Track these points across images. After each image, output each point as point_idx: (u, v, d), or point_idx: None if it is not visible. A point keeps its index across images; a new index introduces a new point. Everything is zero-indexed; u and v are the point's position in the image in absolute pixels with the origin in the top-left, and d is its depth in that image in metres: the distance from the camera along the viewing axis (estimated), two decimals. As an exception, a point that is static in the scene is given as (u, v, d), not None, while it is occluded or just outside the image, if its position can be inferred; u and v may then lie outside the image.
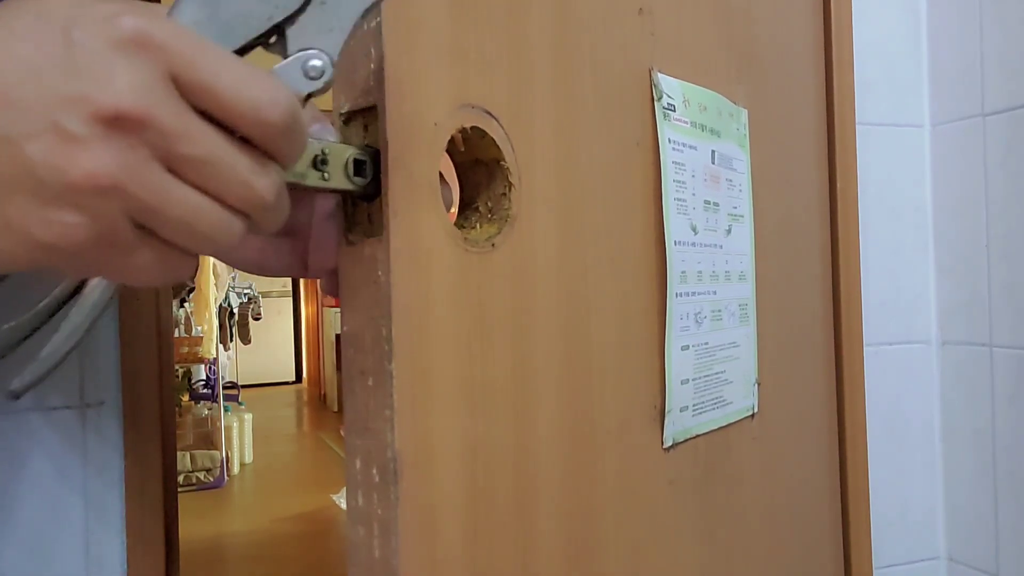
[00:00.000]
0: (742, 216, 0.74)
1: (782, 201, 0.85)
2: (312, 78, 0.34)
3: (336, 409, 6.42)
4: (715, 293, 0.69)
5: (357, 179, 0.40)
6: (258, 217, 0.33)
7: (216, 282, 4.95)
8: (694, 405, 0.66)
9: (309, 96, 0.35)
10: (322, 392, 7.03)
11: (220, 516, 4.02)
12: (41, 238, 0.28)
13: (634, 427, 0.59)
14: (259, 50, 0.34)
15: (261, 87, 0.31)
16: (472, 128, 0.46)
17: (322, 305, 6.45)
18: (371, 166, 0.40)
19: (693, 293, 0.66)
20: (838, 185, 0.97)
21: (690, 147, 0.66)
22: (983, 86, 1.00)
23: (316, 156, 0.38)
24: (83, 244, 0.29)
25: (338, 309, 0.44)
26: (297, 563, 3.24)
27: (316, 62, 0.34)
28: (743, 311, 0.74)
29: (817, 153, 0.95)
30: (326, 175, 0.38)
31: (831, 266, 0.98)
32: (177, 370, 4.89)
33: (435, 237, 0.43)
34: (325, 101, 0.39)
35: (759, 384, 0.76)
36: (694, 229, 0.66)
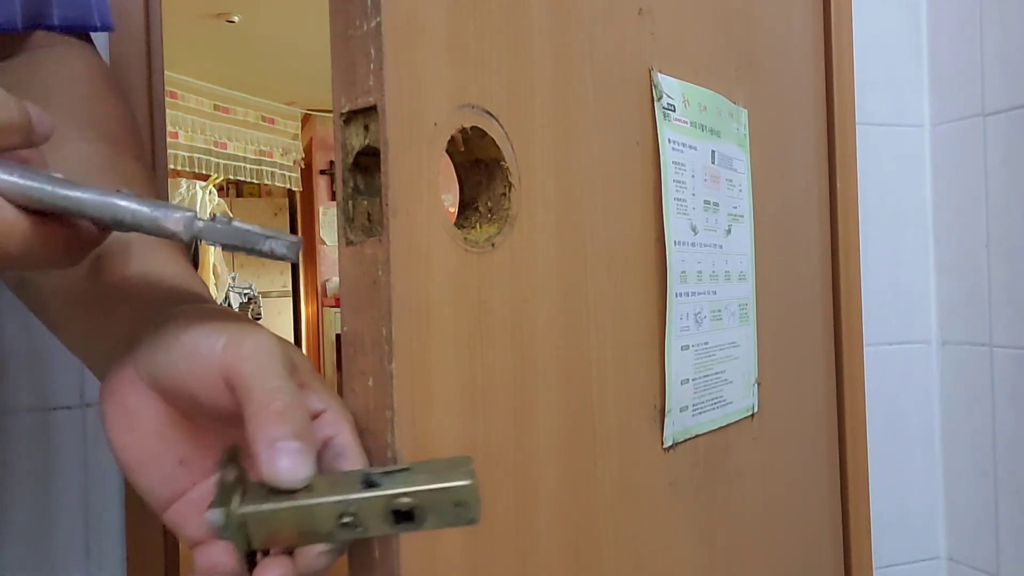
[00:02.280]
0: (742, 216, 0.74)
1: (782, 201, 0.85)
2: None
3: (336, 409, 6.40)
4: (715, 293, 0.69)
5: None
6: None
7: (216, 282, 4.94)
8: (694, 405, 0.66)
9: None
10: (322, 392, 7.02)
11: (220, 516, 4.01)
12: None
13: (634, 427, 0.59)
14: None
15: None
16: (472, 128, 0.46)
17: (322, 305, 6.44)
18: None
19: (693, 293, 0.66)
20: (838, 185, 0.97)
21: (690, 147, 0.66)
22: (983, 86, 1.00)
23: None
24: None
25: (338, 309, 0.44)
26: (297, 563, 3.24)
27: None
28: (743, 311, 0.74)
29: (817, 153, 0.95)
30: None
31: (831, 266, 0.98)
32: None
33: (435, 237, 0.43)
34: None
35: (759, 384, 0.76)
36: (694, 229, 0.66)
